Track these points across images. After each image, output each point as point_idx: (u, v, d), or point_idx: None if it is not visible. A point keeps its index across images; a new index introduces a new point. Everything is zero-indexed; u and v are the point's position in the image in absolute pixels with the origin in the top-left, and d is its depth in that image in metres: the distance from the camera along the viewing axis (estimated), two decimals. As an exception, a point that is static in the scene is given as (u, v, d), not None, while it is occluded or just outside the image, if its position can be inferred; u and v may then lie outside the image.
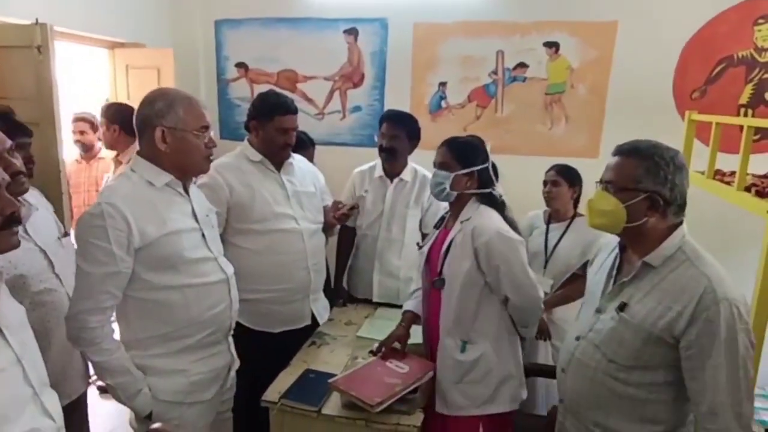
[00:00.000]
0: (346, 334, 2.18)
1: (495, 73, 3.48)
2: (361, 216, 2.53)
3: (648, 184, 1.26)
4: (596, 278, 1.47)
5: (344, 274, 2.66)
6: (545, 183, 2.50)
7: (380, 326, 2.17)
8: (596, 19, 3.25)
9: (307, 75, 3.79)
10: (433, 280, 1.78)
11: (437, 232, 1.90)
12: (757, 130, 2.20)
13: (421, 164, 2.52)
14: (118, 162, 2.96)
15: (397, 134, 2.41)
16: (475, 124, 3.54)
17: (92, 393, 2.81)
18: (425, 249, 1.89)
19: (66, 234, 1.84)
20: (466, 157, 1.74)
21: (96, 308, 1.40)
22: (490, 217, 1.73)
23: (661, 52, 3.18)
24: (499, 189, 1.80)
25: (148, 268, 1.45)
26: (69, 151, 3.03)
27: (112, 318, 1.48)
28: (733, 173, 2.16)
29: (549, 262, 2.47)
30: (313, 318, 2.24)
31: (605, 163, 1.37)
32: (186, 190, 1.57)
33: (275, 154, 2.11)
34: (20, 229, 1.16)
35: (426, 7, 3.47)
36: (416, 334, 1.93)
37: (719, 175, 2.30)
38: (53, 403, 1.10)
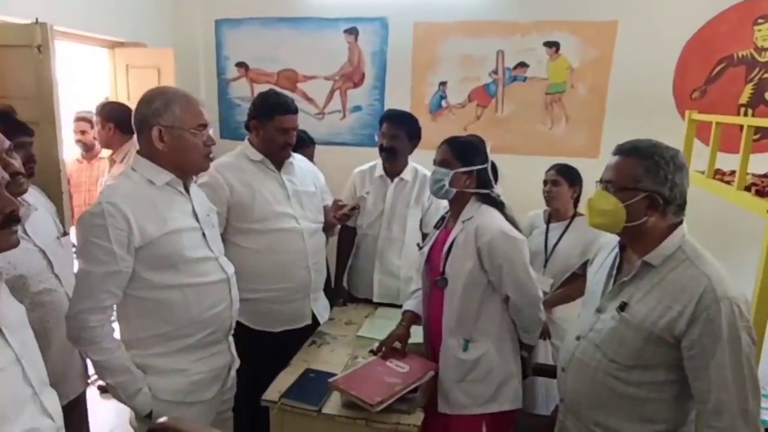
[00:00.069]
0: (346, 334, 2.18)
1: (495, 72, 3.48)
2: (362, 215, 2.53)
3: (648, 184, 1.26)
4: (596, 278, 1.47)
5: (344, 274, 2.66)
6: (545, 182, 2.50)
7: (380, 326, 2.17)
8: (596, 19, 3.25)
9: (308, 74, 3.79)
10: (436, 280, 1.79)
11: (437, 232, 1.90)
12: (757, 129, 2.20)
13: (421, 164, 2.52)
14: (112, 161, 2.93)
15: (397, 134, 2.41)
16: (476, 123, 3.54)
17: (92, 393, 2.82)
18: (426, 249, 1.90)
19: (65, 233, 1.84)
20: (466, 155, 1.75)
21: (96, 307, 1.40)
22: (492, 217, 1.73)
23: (661, 51, 3.18)
24: (498, 189, 1.81)
25: (148, 267, 1.45)
26: (70, 151, 3.03)
27: (113, 317, 1.48)
28: (733, 173, 2.16)
29: (549, 262, 2.47)
30: (314, 317, 2.24)
31: (605, 163, 1.37)
32: (187, 189, 1.57)
33: (275, 154, 2.11)
34: (19, 229, 1.16)
35: (426, 7, 3.47)
36: (416, 334, 1.93)
37: (719, 175, 2.30)
38: (53, 403, 1.10)
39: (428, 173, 2.17)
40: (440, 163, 1.78)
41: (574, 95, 3.38)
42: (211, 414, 1.65)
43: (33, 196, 1.74)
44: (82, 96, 3.79)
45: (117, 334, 1.50)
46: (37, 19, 2.45)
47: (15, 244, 1.05)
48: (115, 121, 2.77)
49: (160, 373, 1.51)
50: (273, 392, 1.71)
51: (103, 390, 2.93)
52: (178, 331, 1.51)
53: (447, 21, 3.47)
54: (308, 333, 2.17)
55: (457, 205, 1.80)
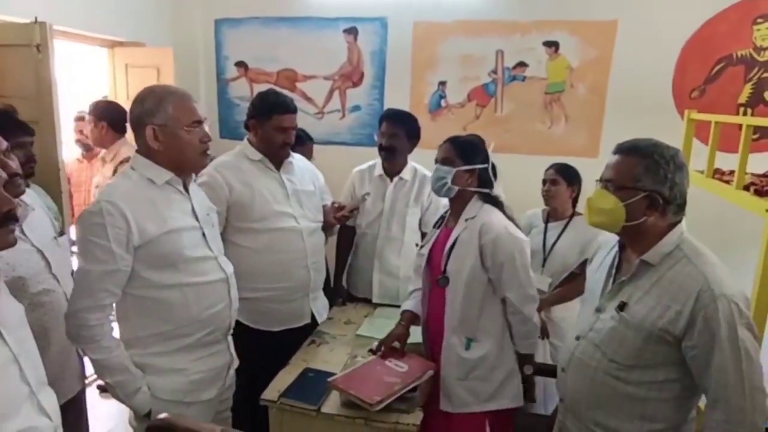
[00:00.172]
0: (345, 333, 2.18)
1: (495, 72, 3.48)
2: (361, 215, 2.52)
3: (647, 183, 1.26)
4: (596, 277, 1.47)
5: (344, 273, 2.66)
6: (544, 182, 2.50)
7: (380, 325, 2.17)
8: (596, 19, 3.25)
9: (307, 74, 3.79)
10: (437, 278, 1.79)
11: (437, 231, 1.91)
12: (756, 129, 2.20)
13: (421, 163, 2.52)
14: (102, 160, 2.87)
15: (396, 133, 2.41)
16: (475, 123, 3.54)
17: (92, 392, 2.81)
18: (426, 249, 1.90)
19: (62, 233, 1.83)
20: (468, 154, 1.77)
21: (95, 306, 1.40)
22: (496, 216, 1.75)
23: (660, 51, 3.18)
24: (498, 189, 1.81)
25: (147, 266, 1.45)
26: (70, 151, 3.03)
27: (112, 316, 1.48)
28: (732, 172, 2.16)
29: (547, 261, 2.47)
30: (313, 317, 2.23)
31: (605, 163, 1.37)
32: (186, 189, 1.57)
33: (274, 153, 2.10)
34: (17, 229, 1.15)
35: (426, 7, 3.48)
36: (416, 334, 1.93)
37: (718, 174, 2.30)
38: (50, 402, 1.10)
39: (428, 173, 2.18)
40: (443, 161, 1.79)
41: (573, 95, 3.38)
42: (209, 413, 1.64)
43: (29, 196, 1.74)
44: (82, 95, 3.79)
45: (116, 333, 1.50)
46: (36, 19, 2.45)
47: (12, 243, 1.05)
48: (108, 120, 2.76)
49: (159, 373, 1.50)
50: (272, 391, 1.71)
51: (102, 389, 2.93)
52: (177, 330, 1.51)
53: (446, 21, 3.47)
54: (307, 332, 2.17)
55: (459, 204, 1.81)
